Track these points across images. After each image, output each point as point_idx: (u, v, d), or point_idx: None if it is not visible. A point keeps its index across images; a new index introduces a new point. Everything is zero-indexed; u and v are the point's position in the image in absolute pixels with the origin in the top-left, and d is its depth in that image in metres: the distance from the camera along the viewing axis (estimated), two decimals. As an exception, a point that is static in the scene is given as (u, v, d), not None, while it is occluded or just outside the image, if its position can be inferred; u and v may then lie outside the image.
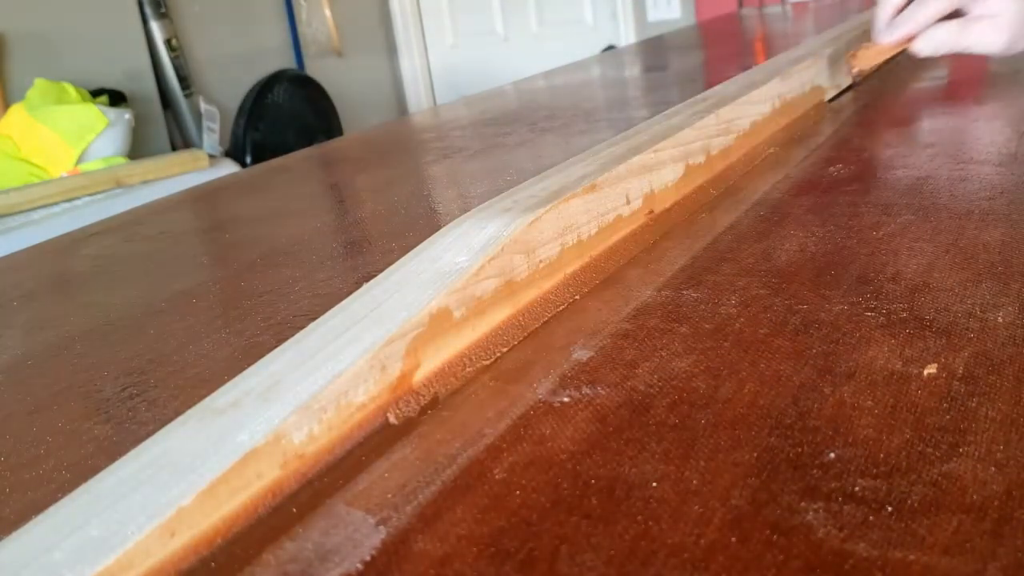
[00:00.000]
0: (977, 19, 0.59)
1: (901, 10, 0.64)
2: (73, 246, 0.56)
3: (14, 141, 2.06)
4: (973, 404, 0.22)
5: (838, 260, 0.33)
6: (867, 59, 0.65)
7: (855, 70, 0.66)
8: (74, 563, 0.18)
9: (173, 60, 2.64)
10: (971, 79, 0.70)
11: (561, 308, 0.32)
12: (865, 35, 0.73)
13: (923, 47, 0.61)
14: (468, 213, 0.32)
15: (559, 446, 0.23)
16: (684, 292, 0.32)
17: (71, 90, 2.19)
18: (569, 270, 0.33)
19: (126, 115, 2.20)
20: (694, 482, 0.20)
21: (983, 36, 0.60)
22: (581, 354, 0.28)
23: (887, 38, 0.62)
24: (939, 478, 0.19)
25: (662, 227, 0.39)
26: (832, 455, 0.21)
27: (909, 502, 0.19)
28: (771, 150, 0.52)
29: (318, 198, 0.63)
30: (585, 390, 0.26)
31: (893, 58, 0.69)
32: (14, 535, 0.19)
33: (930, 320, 0.27)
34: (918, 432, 0.21)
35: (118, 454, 0.21)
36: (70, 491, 0.20)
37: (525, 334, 0.30)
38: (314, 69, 3.19)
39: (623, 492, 0.20)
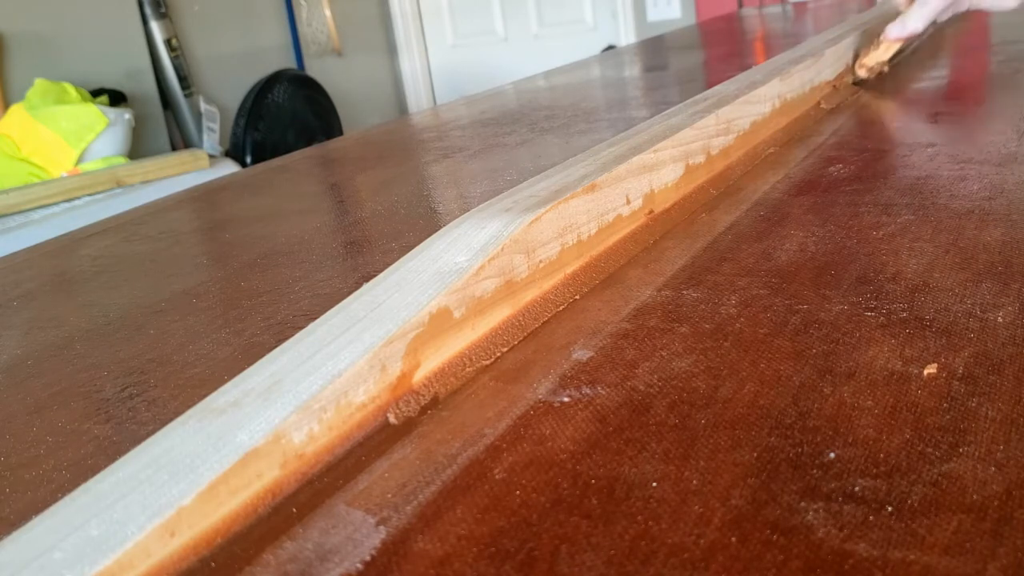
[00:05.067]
0: None
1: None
2: (73, 246, 0.56)
3: (14, 141, 2.06)
4: (973, 404, 0.22)
5: (838, 260, 0.33)
6: (874, 58, 0.67)
7: (863, 71, 0.67)
8: (74, 563, 0.18)
9: (173, 60, 2.64)
10: (971, 79, 0.70)
11: (561, 308, 0.32)
12: (867, 34, 0.73)
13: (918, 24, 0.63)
14: (468, 213, 0.32)
15: (559, 446, 0.23)
16: (684, 292, 0.32)
17: (71, 90, 2.19)
18: (569, 270, 0.33)
19: (126, 115, 2.20)
20: (694, 482, 0.20)
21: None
22: (581, 354, 0.28)
23: (897, 33, 0.65)
24: (939, 478, 0.19)
25: (662, 227, 0.39)
26: (832, 455, 0.21)
27: (909, 502, 0.19)
28: (771, 150, 0.52)
29: (318, 198, 0.63)
30: (585, 390, 0.26)
31: (895, 56, 0.69)
32: (14, 535, 0.19)
33: (930, 320, 0.27)
34: (918, 432, 0.21)
35: (118, 454, 0.21)
36: (70, 491, 0.20)
37: (525, 334, 0.30)
38: (314, 69, 3.19)
39: (623, 492, 0.20)
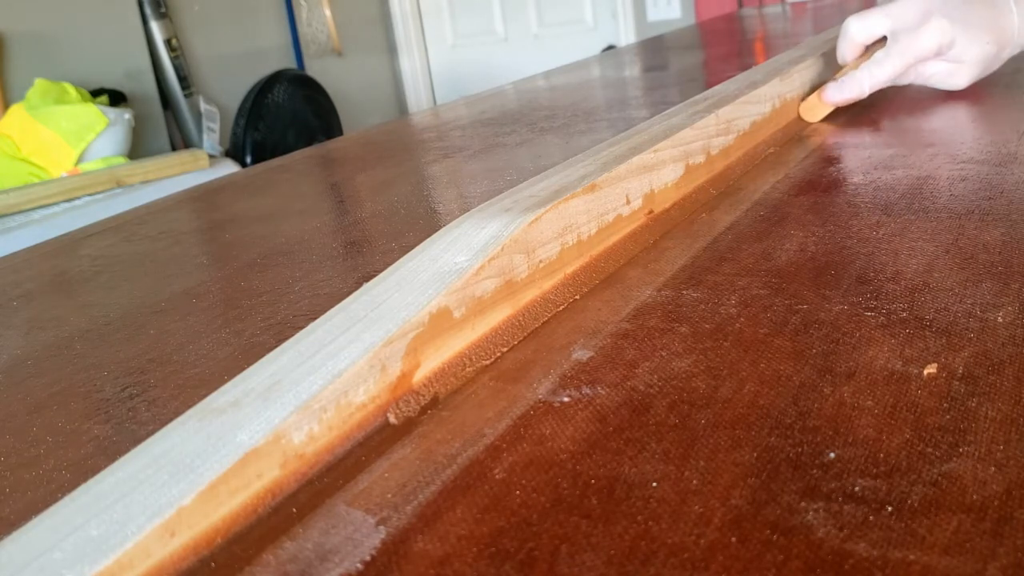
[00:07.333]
0: (942, 59, 0.58)
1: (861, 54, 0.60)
2: (73, 246, 0.56)
3: (14, 141, 2.06)
4: (973, 404, 0.22)
5: (838, 260, 0.33)
6: (816, 110, 0.58)
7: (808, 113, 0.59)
8: (74, 563, 0.18)
9: (173, 60, 2.64)
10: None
11: (561, 308, 0.32)
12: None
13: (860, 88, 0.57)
14: (468, 213, 0.32)
15: (559, 446, 0.23)
16: (684, 292, 0.32)
17: (71, 90, 2.19)
18: (569, 270, 0.33)
19: (126, 115, 2.20)
20: (694, 482, 0.20)
21: (946, 77, 0.59)
22: (581, 354, 0.28)
23: (834, 96, 0.57)
24: (939, 478, 0.19)
25: (662, 227, 0.39)
26: (832, 455, 0.21)
27: (909, 502, 0.19)
28: (771, 150, 0.52)
29: (318, 198, 0.63)
30: (585, 390, 0.26)
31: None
32: (14, 535, 0.19)
33: (930, 320, 0.27)
34: (918, 432, 0.21)
35: (118, 454, 0.21)
36: (70, 491, 0.20)
37: (525, 334, 0.30)
38: (314, 69, 3.19)
39: (623, 492, 0.20)
